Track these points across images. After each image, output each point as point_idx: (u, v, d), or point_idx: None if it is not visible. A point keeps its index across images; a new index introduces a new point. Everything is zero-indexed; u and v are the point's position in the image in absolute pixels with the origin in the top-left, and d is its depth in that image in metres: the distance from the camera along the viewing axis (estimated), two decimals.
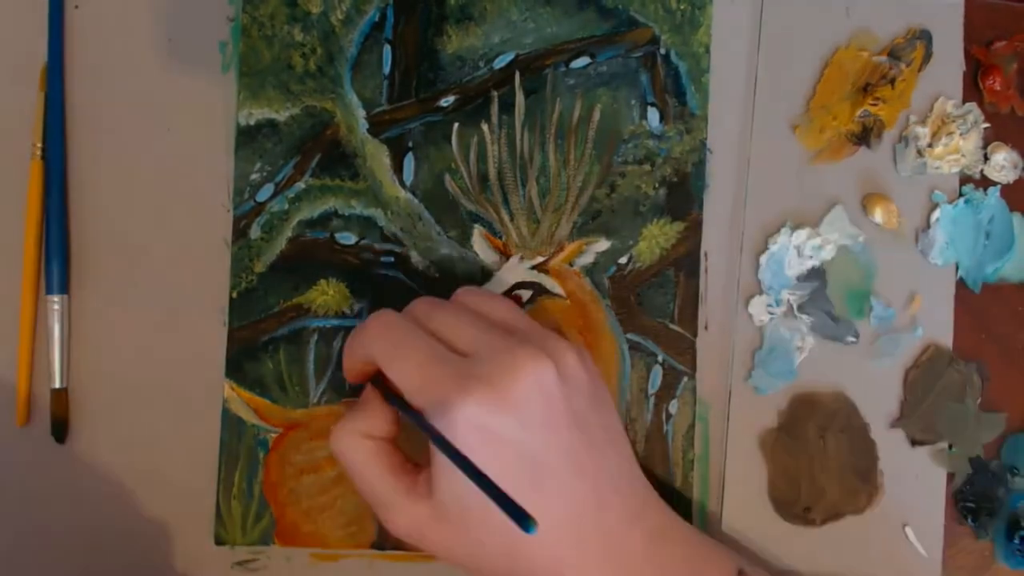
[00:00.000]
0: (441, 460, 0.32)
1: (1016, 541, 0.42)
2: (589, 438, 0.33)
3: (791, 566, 0.42)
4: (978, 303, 0.43)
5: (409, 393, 0.33)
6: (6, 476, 0.40)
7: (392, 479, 0.34)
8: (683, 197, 0.42)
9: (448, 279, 0.41)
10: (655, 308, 0.42)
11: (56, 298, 0.40)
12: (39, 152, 0.40)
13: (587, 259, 0.42)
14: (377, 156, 0.41)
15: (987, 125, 0.43)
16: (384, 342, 0.34)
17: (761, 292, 0.42)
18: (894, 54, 0.43)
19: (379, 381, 0.36)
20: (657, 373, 0.42)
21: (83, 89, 0.41)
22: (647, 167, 0.42)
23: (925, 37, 0.43)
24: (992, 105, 0.44)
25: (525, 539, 0.32)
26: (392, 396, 0.35)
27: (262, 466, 0.40)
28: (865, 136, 0.43)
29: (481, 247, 0.41)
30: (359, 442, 0.35)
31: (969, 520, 0.43)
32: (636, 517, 0.35)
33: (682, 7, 0.42)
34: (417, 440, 0.36)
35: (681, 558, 0.35)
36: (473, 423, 0.31)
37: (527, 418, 0.32)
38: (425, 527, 0.34)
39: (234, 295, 0.41)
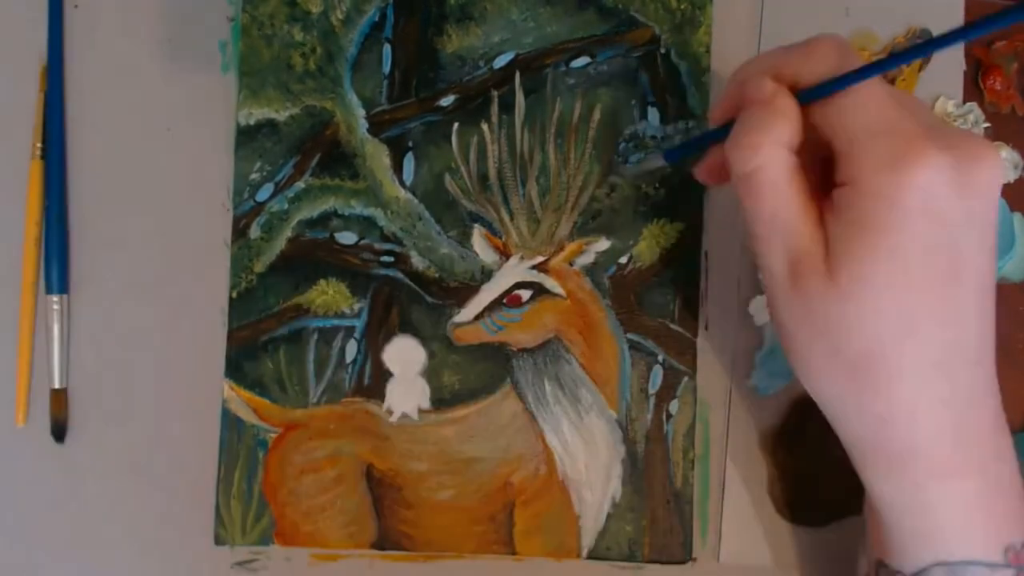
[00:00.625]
0: (872, 221, 0.28)
1: None
2: (992, 270, 0.30)
3: (792, 566, 0.42)
4: None
5: (853, 129, 0.28)
6: (5, 476, 0.40)
7: (803, 205, 0.30)
8: (684, 196, 0.42)
9: (448, 279, 0.41)
10: (655, 308, 0.42)
11: (56, 298, 0.40)
12: (39, 152, 0.40)
13: (587, 259, 0.42)
14: (377, 156, 0.41)
15: (988, 125, 0.43)
16: (847, 61, 0.29)
17: (761, 292, 0.42)
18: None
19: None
20: (657, 373, 0.42)
21: (83, 89, 0.41)
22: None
23: (925, 36, 0.43)
24: (993, 105, 0.44)
25: (902, 351, 0.29)
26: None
27: (262, 466, 0.40)
28: None
29: (481, 247, 0.41)
30: (782, 154, 0.29)
31: None
32: (990, 394, 0.31)
33: (682, 7, 0.42)
34: None
35: (1006, 453, 0.31)
36: (931, 185, 0.28)
37: (974, 209, 0.28)
38: (807, 273, 0.29)
39: (234, 295, 0.41)
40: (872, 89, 0.29)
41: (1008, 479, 0.32)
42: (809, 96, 0.30)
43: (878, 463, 0.31)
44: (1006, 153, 0.43)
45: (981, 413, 0.31)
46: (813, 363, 0.30)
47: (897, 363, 0.29)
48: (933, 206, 0.28)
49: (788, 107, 0.30)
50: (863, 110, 0.29)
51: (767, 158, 0.29)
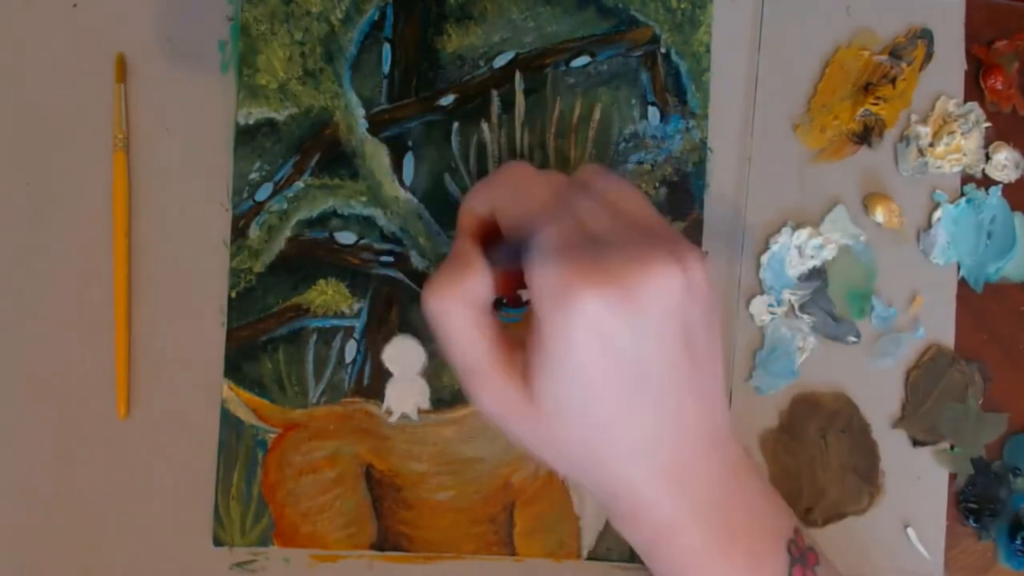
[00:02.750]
0: (549, 352, 0.31)
1: (1018, 542, 0.42)
2: (693, 355, 0.32)
3: None
4: (980, 303, 0.43)
5: (538, 265, 0.31)
6: (6, 475, 0.40)
7: (489, 349, 0.32)
8: (684, 196, 0.42)
9: None
10: None
11: None
12: (122, 142, 0.40)
13: None
14: (377, 155, 0.41)
15: (988, 124, 0.43)
16: (522, 197, 0.32)
17: (762, 292, 0.42)
18: (895, 53, 0.43)
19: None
20: None
21: (82, 88, 0.41)
22: (647, 166, 0.42)
23: (926, 36, 0.43)
24: (993, 104, 0.44)
25: (609, 444, 0.31)
26: (503, 249, 0.32)
27: (261, 467, 0.40)
28: (866, 135, 0.43)
29: None
30: (461, 307, 0.32)
31: (971, 521, 0.42)
32: (716, 445, 0.33)
33: (682, 6, 0.42)
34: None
35: (747, 498, 0.34)
36: (593, 321, 0.30)
37: (644, 324, 0.30)
38: (511, 408, 0.32)
39: (233, 295, 0.41)
40: (546, 229, 0.31)
41: (747, 521, 0.34)
42: (497, 261, 0.32)
43: (621, 525, 0.34)
44: (1007, 153, 0.43)
45: (705, 467, 0.33)
46: (550, 462, 0.34)
47: (602, 461, 0.32)
48: (599, 334, 0.30)
49: (473, 263, 0.32)
50: (537, 251, 0.31)
51: (446, 307, 0.32)
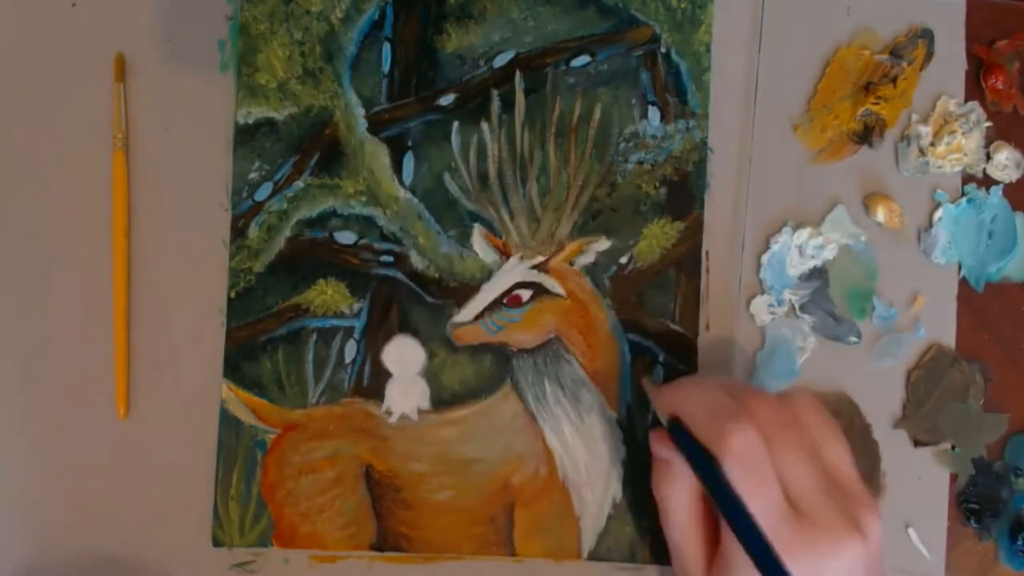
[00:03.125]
0: (731, 555, 0.34)
1: (1019, 542, 0.42)
2: None
3: None
4: (981, 303, 0.43)
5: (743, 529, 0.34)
6: (6, 475, 0.40)
7: (700, 542, 0.36)
8: (684, 196, 0.42)
9: (448, 279, 0.41)
10: (656, 308, 0.42)
11: None
12: (121, 142, 0.40)
13: (587, 259, 0.42)
14: (376, 155, 0.41)
15: (989, 124, 0.43)
16: (750, 476, 0.34)
17: (763, 292, 0.42)
18: (896, 53, 0.43)
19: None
20: (658, 373, 0.41)
21: (82, 88, 0.41)
22: (647, 166, 0.42)
23: (927, 36, 0.43)
24: (994, 104, 0.44)
25: None
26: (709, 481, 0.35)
27: (260, 467, 0.40)
28: (867, 135, 0.43)
29: (481, 246, 0.41)
30: (690, 500, 0.36)
31: (972, 521, 0.42)
32: None
33: (683, 6, 0.42)
34: None
35: None
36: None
37: None
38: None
39: (232, 295, 0.41)
40: (757, 493, 0.34)
41: None
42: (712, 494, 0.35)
43: None
44: (1007, 152, 0.43)
45: None
46: None
47: None
48: None
49: (682, 471, 0.36)
50: (752, 510, 0.34)
51: (676, 502, 0.36)
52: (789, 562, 0.32)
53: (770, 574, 0.32)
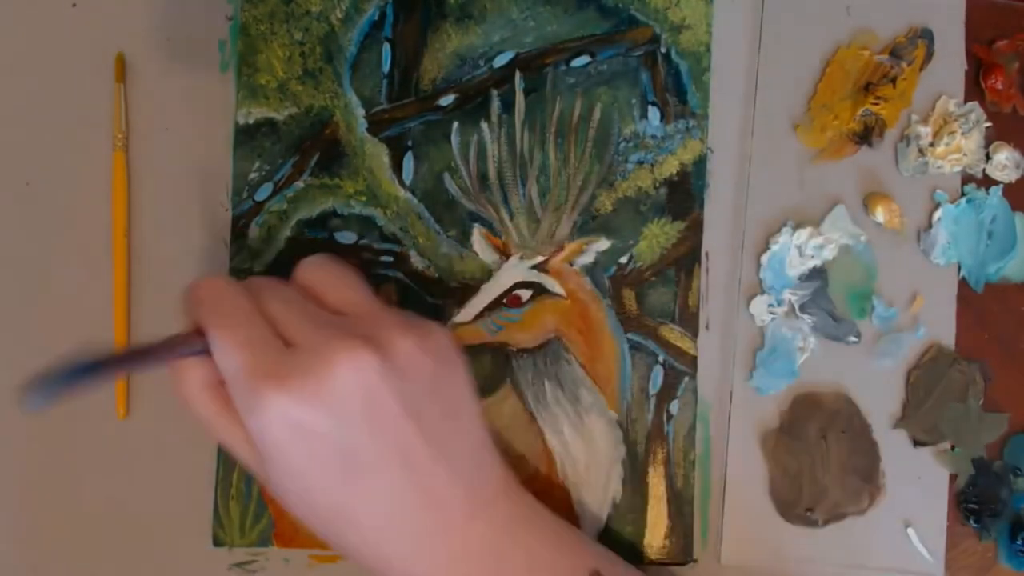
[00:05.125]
0: (260, 452, 0.32)
1: (1019, 542, 0.42)
2: (424, 429, 0.32)
3: (792, 567, 0.41)
4: (980, 303, 0.43)
5: (226, 372, 0.32)
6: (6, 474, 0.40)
7: (234, 427, 0.34)
8: (684, 196, 0.42)
9: (448, 279, 0.41)
10: (655, 308, 0.42)
11: None
12: (121, 142, 0.40)
13: (587, 258, 0.42)
14: (376, 155, 0.41)
15: (989, 124, 0.43)
16: (211, 311, 0.33)
17: (762, 292, 0.42)
18: (895, 53, 0.43)
19: None
20: (658, 373, 0.41)
21: (82, 88, 0.41)
22: (648, 166, 0.42)
23: (927, 36, 0.43)
24: (994, 104, 0.44)
25: (350, 526, 0.33)
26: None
27: None
28: (866, 135, 0.43)
29: (481, 247, 0.41)
30: (202, 396, 0.34)
31: (972, 521, 0.42)
32: (480, 508, 0.34)
33: (683, 5, 0.42)
34: None
35: (528, 552, 0.35)
36: (285, 417, 0.31)
37: (345, 411, 0.31)
38: (263, 472, 0.34)
39: None
40: (224, 336, 0.32)
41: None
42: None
43: None
44: (1007, 153, 0.43)
45: (469, 528, 0.34)
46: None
47: (349, 538, 0.34)
48: (299, 431, 0.31)
49: (183, 368, 0.34)
50: (220, 360, 0.32)
51: (191, 404, 0.34)
52: (277, 385, 0.30)
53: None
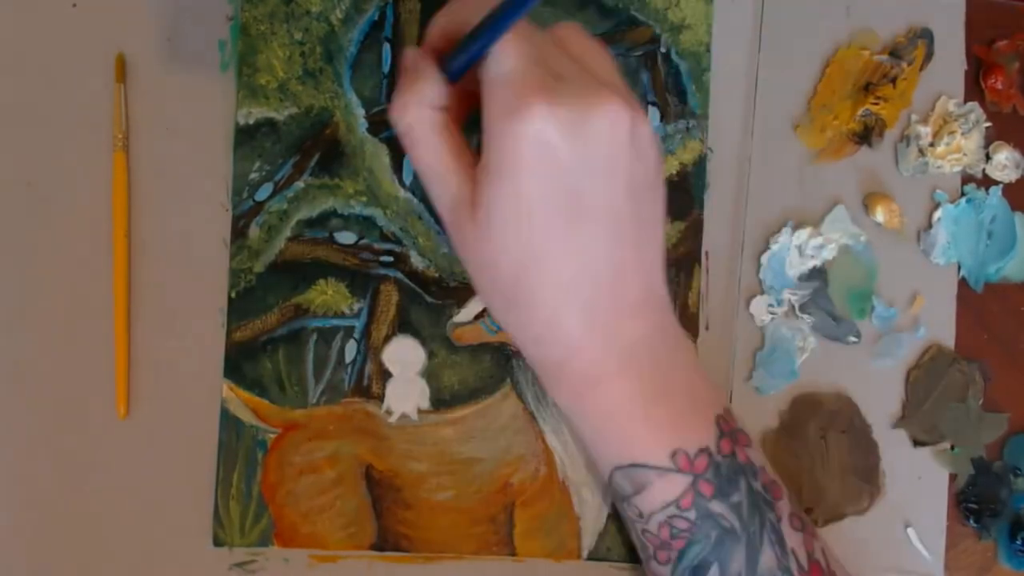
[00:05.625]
0: (493, 162, 0.31)
1: (1019, 542, 0.42)
2: (636, 207, 0.33)
3: None
4: (980, 303, 0.43)
5: (497, 74, 0.31)
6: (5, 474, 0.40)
7: (447, 151, 0.33)
8: (684, 196, 0.42)
9: (448, 279, 0.41)
10: None
11: None
12: (121, 143, 0.40)
13: None
14: (377, 155, 0.41)
15: (989, 124, 0.43)
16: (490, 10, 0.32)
17: (762, 292, 0.42)
18: (895, 53, 0.43)
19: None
20: None
21: (82, 88, 0.41)
22: None
23: (926, 36, 0.43)
24: (994, 104, 0.44)
25: (539, 272, 0.32)
26: (461, 57, 0.33)
27: (261, 467, 0.40)
28: (866, 135, 0.43)
29: None
30: (427, 112, 0.33)
31: (972, 521, 0.42)
32: (652, 307, 0.34)
33: (683, 5, 0.42)
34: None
35: (677, 367, 0.35)
36: (541, 133, 0.30)
37: (591, 154, 0.31)
38: (459, 217, 0.33)
39: (233, 295, 0.41)
40: (508, 42, 0.31)
41: (677, 387, 0.34)
42: (454, 65, 0.33)
43: (547, 378, 0.35)
44: (1007, 153, 0.43)
45: (634, 324, 0.33)
46: (483, 294, 0.35)
47: (532, 290, 0.33)
48: (547, 154, 0.30)
49: (426, 71, 0.33)
50: (495, 64, 0.31)
51: (414, 118, 0.33)
52: (546, 103, 0.30)
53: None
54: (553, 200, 0.31)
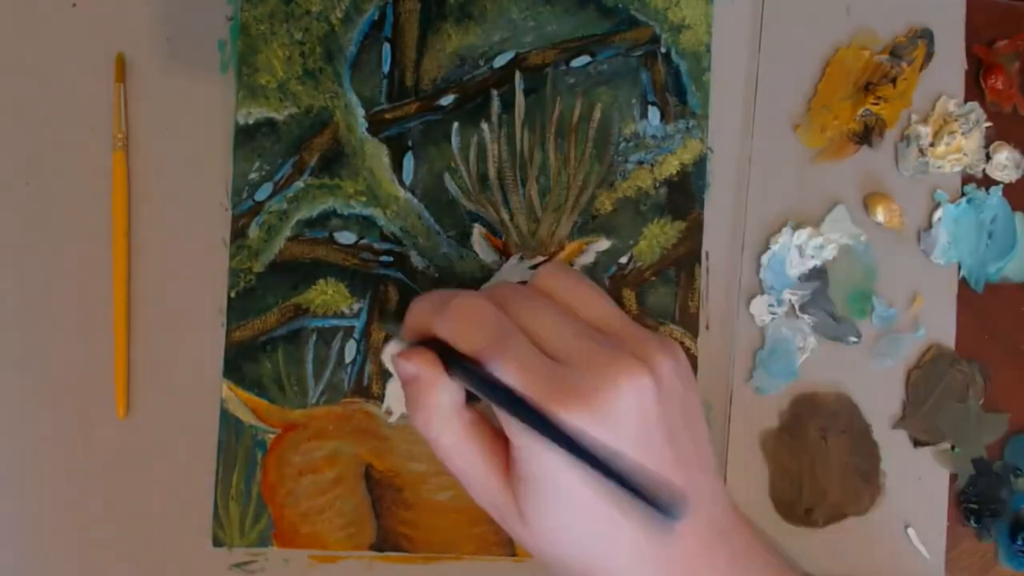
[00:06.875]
0: (530, 478, 0.30)
1: (1019, 542, 0.42)
2: (678, 454, 0.31)
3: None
4: (980, 303, 0.43)
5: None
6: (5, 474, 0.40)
7: (487, 461, 0.32)
8: (684, 196, 0.42)
9: (448, 279, 0.41)
10: (655, 308, 0.42)
11: None
12: (121, 143, 0.40)
13: (588, 259, 0.42)
14: (377, 155, 0.41)
15: (989, 124, 0.43)
16: (480, 335, 0.30)
17: (762, 292, 0.42)
18: (895, 53, 0.43)
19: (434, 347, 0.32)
20: None
21: (82, 88, 0.41)
22: (647, 166, 0.42)
23: (927, 36, 0.43)
24: (994, 104, 0.44)
25: (603, 559, 0.31)
26: (485, 386, 0.31)
27: (260, 467, 0.40)
28: (867, 135, 0.43)
29: (481, 247, 0.41)
30: (450, 420, 0.31)
31: (972, 521, 0.42)
32: (720, 537, 0.32)
33: (683, 5, 0.42)
34: None
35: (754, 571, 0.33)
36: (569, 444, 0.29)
37: (621, 435, 0.29)
38: (509, 520, 0.32)
39: (232, 295, 0.41)
40: (507, 362, 0.30)
41: None
42: (457, 376, 0.31)
43: None
44: (1007, 153, 0.43)
45: (707, 568, 0.32)
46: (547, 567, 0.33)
47: (605, 571, 0.31)
48: (579, 459, 0.29)
49: (433, 379, 0.31)
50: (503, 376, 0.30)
51: (439, 431, 0.31)
52: (564, 414, 0.28)
53: (551, 434, 0.28)
54: (598, 499, 0.29)
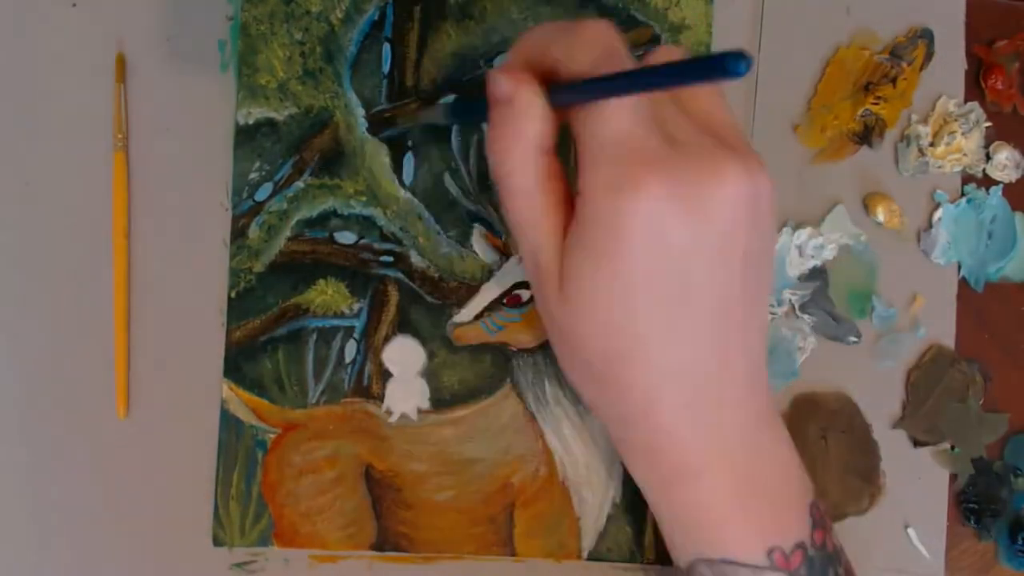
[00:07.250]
0: (592, 237, 0.28)
1: (1019, 542, 0.42)
2: (746, 289, 0.29)
3: None
4: (981, 303, 0.43)
5: (606, 137, 0.27)
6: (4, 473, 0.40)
7: (549, 216, 0.29)
8: None
9: (448, 279, 0.41)
10: None
11: None
12: (121, 143, 0.40)
13: None
14: (376, 155, 0.41)
15: (989, 124, 0.43)
16: (604, 59, 0.27)
17: None
18: (895, 53, 0.43)
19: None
20: None
21: (82, 88, 0.41)
22: None
23: (927, 36, 0.43)
24: (994, 104, 0.44)
25: (638, 361, 0.29)
26: (566, 92, 0.28)
27: (261, 467, 0.40)
28: (866, 135, 0.43)
29: (481, 247, 0.41)
30: (532, 157, 0.29)
31: (972, 521, 0.42)
32: (753, 392, 0.31)
33: (683, 5, 0.42)
34: None
35: (775, 455, 0.32)
36: (653, 215, 0.27)
37: (707, 235, 0.27)
38: (547, 284, 0.30)
39: (232, 295, 0.41)
40: (618, 101, 0.27)
41: (774, 479, 0.32)
42: (559, 99, 0.29)
43: (633, 459, 0.32)
44: (1007, 153, 0.43)
45: (735, 413, 0.31)
46: (562, 361, 0.31)
47: (627, 375, 0.29)
48: (656, 234, 0.27)
49: (531, 105, 0.29)
50: (603, 123, 0.27)
51: (518, 163, 0.29)
52: (661, 178, 0.26)
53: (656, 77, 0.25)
54: (659, 284, 0.28)
